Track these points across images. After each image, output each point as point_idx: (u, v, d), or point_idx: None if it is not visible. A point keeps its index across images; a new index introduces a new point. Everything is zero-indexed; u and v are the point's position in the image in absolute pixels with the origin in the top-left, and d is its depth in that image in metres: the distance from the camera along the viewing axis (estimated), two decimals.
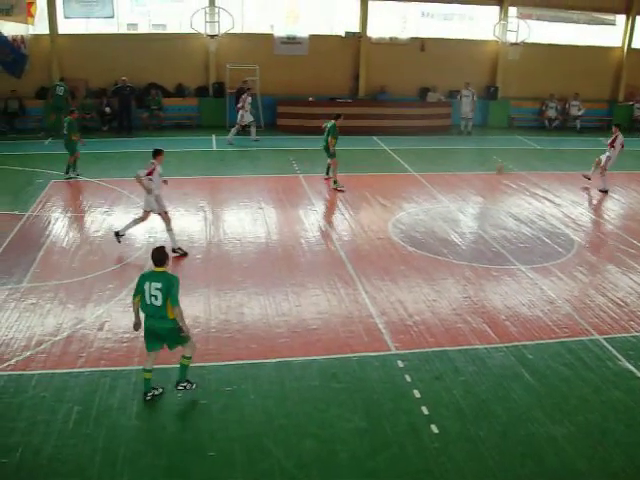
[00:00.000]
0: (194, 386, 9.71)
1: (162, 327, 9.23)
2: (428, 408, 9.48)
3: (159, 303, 9.06)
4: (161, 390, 9.69)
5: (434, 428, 9.03)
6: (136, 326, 9.53)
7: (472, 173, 23.30)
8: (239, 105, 26.96)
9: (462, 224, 17.81)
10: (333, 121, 20.69)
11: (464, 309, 12.63)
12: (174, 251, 14.81)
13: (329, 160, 20.88)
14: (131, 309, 9.50)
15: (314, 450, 8.62)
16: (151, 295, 9.09)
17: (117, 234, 15.38)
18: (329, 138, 20.41)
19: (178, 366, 9.68)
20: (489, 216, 18.78)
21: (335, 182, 20.60)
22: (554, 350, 11.23)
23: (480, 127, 31.24)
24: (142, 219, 15.48)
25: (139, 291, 9.22)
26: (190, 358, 9.64)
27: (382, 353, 10.98)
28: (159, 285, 9.05)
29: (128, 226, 15.44)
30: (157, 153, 15.07)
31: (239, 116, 26.91)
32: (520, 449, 8.71)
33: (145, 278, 9.22)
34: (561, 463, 8.49)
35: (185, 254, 15.02)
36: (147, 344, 9.49)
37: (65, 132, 21.05)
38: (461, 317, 12.29)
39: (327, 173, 21.37)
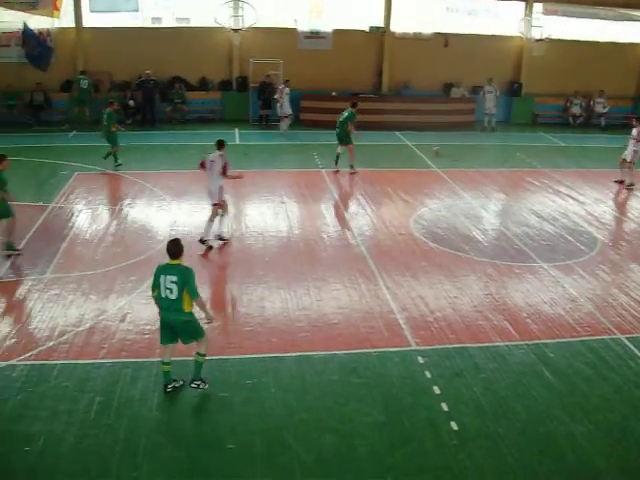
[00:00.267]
0: (207, 386, 9.69)
1: (177, 320, 9.27)
2: (448, 404, 9.48)
3: (174, 296, 9.09)
4: (182, 382, 9.76)
5: (453, 425, 9.04)
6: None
7: (495, 170, 23.18)
8: (276, 96, 27.39)
9: (484, 221, 17.76)
10: (351, 109, 21.48)
11: (485, 306, 12.60)
12: (202, 242, 14.89)
13: (340, 148, 21.63)
14: (153, 301, 9.55)
15: (334, 444, 8.66)
16: (166, 288, 9.11)
17: (202, 241, 14.98)
18: (348, 124, 21.12)
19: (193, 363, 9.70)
20: (511, 213, 18.71)
21: (352, 166, 21.28)
22: (575, 349, 11.18)
23: (503, 123, 31.04)
24: (215, 214, 15.32)
25: (156, 284, 9.26)
26: (204, 355, 9.63)
27: (402, 349, 10.99)
28: (174, 278, 9.07)
29: (207, 228, 15.17)
30: (224, 144, 15.12)
31: (278, 107, 27.34)
32: (539, 447, 8.69)
33: (160, 271, 9.25)
34: (579, 461, 8.47)
35: (210, 248, 15.08)
36: (162, 337, 9.55)
37: (105, 123, 21.37)
38: (482, 314, 12.26)
39: (336, 163, 21.80)
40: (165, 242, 9.51)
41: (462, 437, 8.81)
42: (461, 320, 12.01)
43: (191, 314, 9.29)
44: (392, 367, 10.43)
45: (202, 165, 15.16)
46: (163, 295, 9.16)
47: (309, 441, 8.71)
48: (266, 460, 8.35)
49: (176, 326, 9.35)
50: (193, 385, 9.64)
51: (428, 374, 10.25)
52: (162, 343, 9.59)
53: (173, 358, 9.71)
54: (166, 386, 9.69)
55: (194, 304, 9.28)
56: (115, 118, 21.66)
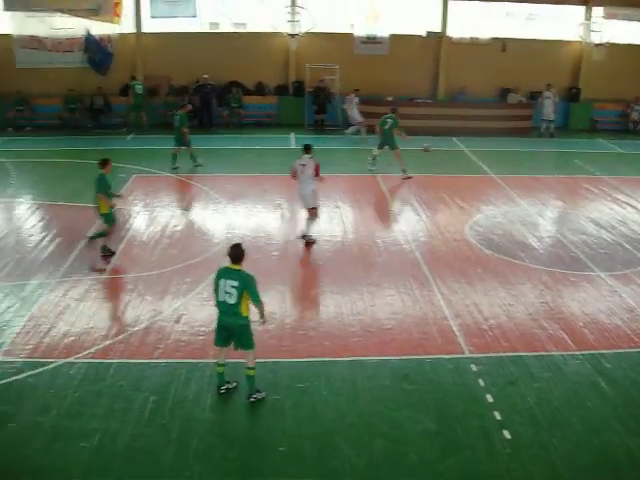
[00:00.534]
0: (264, 394, 9.71)
1: (235, 323, 9.37)
2: (501, 413, 9.39)
3: (233, 301, 9.17)
4: (235, 384, 9.86)
5: (506, 433, 8.95)
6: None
7: (552, 176, 22.88)
8: (344, 106, 27.89)
9: (541, 228, 17.54)
10: (392, 114, 21.96)
11: (540, 314, 12.44)
12: (303, 237, 15.62)
13: (378, 151, 22.15)
14: (208, 303, 9.66)
15: (385, 450, 8.66)
16: (225, 292, 9.20)
17: (304, 237, 15.64)
18: (395, 130, 21.49)
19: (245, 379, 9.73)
20: (568, 220, 18.44)
21: (404, 170, 21.52)
22: (633, 360, 10.97)
23: (561, 129, 30.56)
24: (314, 216, 15.89)
25: (216, 286, 9.35)
26: (254, 369, 9.63)
27: (456, 356, 10.93)
28: (235, 283, 9.15)
29: (308, 228, 15.80)
30: (311, 147, 15.75)
31: (350, 116, 27.69)
32: (593, 458, 8.57)
33: (221, 274, 9.33)
34: (636, 474, 8.32)
35: (314, 242, 15.62)
36: (216, 339, 9.65)
37: (177, 125, 21.89)
38: (537, 322, 12.12)
39: (373, 165, 22.31)
40: (221, 245, 9.65)
41: (515, 446, 8.73)
42: (516, 328, 11.89)
43: (247, 318, 9.39)
44: (445, 374, 10.38)
45: (293, 173, 15.69)
46: (221, 299, 9.26)
47: (360, 445, 8.72)
48: (317, 463, 8.39)
49: (233, 329, 9.44)
50: (251, 399, 9.63)
51: (481, 382, 10.17)
52: (216, 344, 9.71)
53: (227, 360, 9.80)
54: (219, 387, 9.82)
55: (249, 308, 9.35)
56: (187, 121, 22.26)
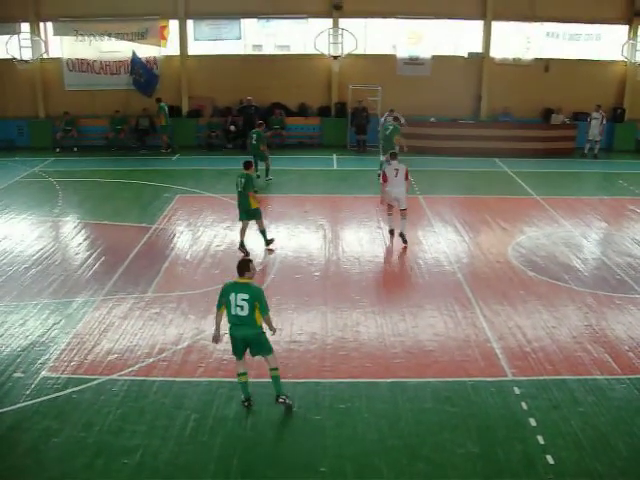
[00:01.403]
0: (289, 400, 9.86)
1: (250, 333, 9.65)
2: (544, 437, 9.26)
3: (245, 313, 9.49)
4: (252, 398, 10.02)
5: (549, 459, 8.81)
6: (215, 339, 10.00)
7: (596, 197, 22.63)
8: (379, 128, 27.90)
9: (585, 250, 17.34)
10: (394, 122, 23.41)
11: (585, 337, 12.27)
12: (401, 236, 16.98)
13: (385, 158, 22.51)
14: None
15: (425, 473, 8.59)
16: (237, 305, 9.50)
17: (402, 235, 17.11)
18: (396, 137, 22.54)
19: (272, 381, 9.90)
20: (613, 242, 18.17)
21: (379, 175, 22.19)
22: None
23: (605, 150, 30.22)
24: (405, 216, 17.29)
25: (223, 302, 9.65)
26: (277, 369, 9.89)
27: (498, 379, 10.83)
28: (246, 296, 9.48)
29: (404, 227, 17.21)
30: (396, 155, 17.77)
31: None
32: None
33: (230, 289, 9.63)
34: None
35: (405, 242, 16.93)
36: (237, 353, 9.86)
37: (254, 142, 22.64)
38: (581, 346, 11.95)
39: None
40: (263, 265, 9.72)
41: (558, 472, 8.59)
42: (559, 351, 11.74)
43: (261, 327, 9.70)
44: (487, 397, 10.28)
45: (384, 177, 17.29)
46: (233, 312, 9.56)
47: (400, 468, 8.67)
48: None
49: (249, 340, 9.70)
50: (280, 400, 9.81)
51: (524, 405, 10.04)
52: (238, 358, 9.90)
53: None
54: (246, 400, 9.96)
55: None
56: (265, 138, 23.24)
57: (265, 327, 9.77)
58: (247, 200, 16.08)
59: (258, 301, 9.50)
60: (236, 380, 10.05)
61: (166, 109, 28.61)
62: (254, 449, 9.06)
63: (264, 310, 9.60)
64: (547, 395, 10.35)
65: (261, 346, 9.78)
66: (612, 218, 20.59)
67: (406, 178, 17.02)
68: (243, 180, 16.04)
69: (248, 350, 9.82)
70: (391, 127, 22.68)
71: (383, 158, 22.36)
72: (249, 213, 16.28)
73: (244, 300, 9.46)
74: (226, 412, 9.84)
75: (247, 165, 16.41)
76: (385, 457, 8.86)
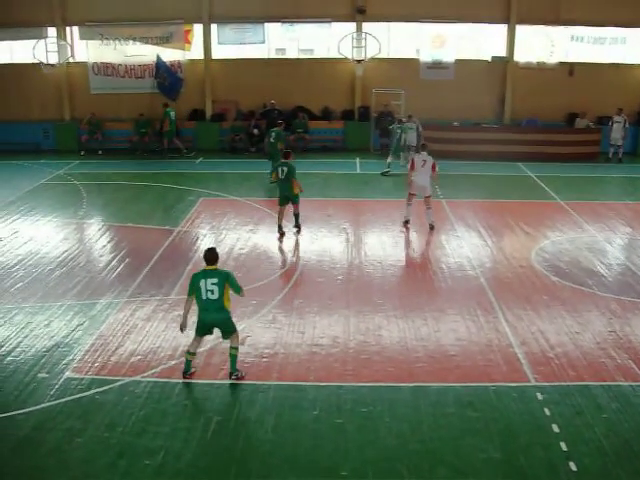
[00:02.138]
0: (243, 373, 10.75)
1: (219, 317, 10.46)
2: (567, 444, 9.19)
3: (216, 296, 10.27)
4: (194, 370, 10.86)
5: (572, 465, 8.75)
6: (182, 328, 10.62)
7: (621, 202, 22.44)
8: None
9: (609, 255, 17.20)
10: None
11: (609, 343, 12.17)
12: (430, 226, 18.54)
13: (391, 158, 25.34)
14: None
15: (447, 478, 8.57)
16: (207, 290, 10.26)
17: (430, 224, 18.74)
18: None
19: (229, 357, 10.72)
20: (638, 247, 18.02)
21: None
22: None
23: (630, 155, 29.92)
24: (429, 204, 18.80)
25: (193, 289, 10.37)
26: (238, 348, 10.75)
27: (521, 384, 10.77)
28: (215, 280, 10.26)
29: (430, 215, 18.74)
30: (426, 145, 19.54)
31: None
32: None
33: (199, 277, 10.40)
34: None
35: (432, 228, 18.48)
36: (199, 333, 10.73)
37: (272, 140, 22.78)
38: (605, 352, 11.86)
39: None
40: (285, 268, 9.77)
41: (581, 478, 8.53)
42: (583, 357, 11.66)
43: (229, 311, 10.53)
44: (510, 402, 10.23)
45: (412, 165, 18.61)
46: (204, 297, 10.30)
47: (422, 473, 8.65)
48: None
49: (218, 324, 10.58)
50: (232, 378, 10.66)
51: (547, 411, 9.98)
52: (198, 334, 10.73)
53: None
54: (185, 373, 10.75)
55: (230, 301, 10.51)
56: (284, 137, 23.45)
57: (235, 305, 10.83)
58: (290, 186, 17.52)
59: (228, 281, 10.32)
60: (258, 382, 10.10)
61: (171, 114, 28.58)
62: (275, 452, 9.07)
63: (237, 288, 10.45)
64: (570, 401, 10.27)
65: (228, 328, 10.62)
66: (637, 223, 20.38)
67: (433, 170, 18.38)
68: (285, 169, 17.50)
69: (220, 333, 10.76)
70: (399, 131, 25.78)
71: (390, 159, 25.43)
72: (289, 198, 17.75)
73: (214, 284, 10.23)
74: (248, 414, 9.88)
75: (287, 155, 18.01)
76: (407, 462, 8.83)
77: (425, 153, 18.57)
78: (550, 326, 12.84)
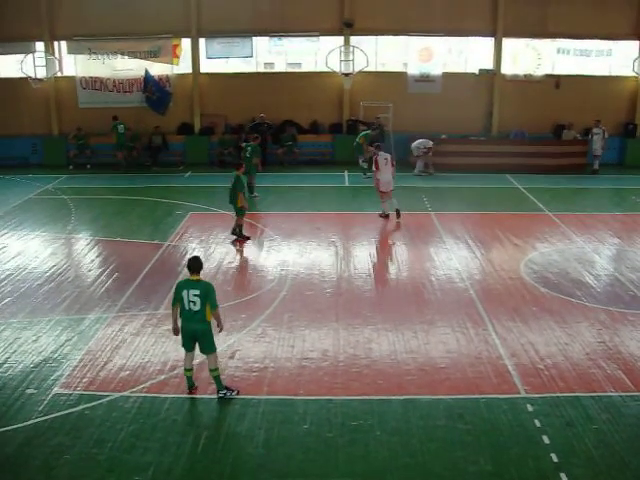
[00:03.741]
0: (235, 392, 10.63)
1: (200, 329, 10.35)
2: (558, 455, 9.19)
3: (197, 308, 10.23)
4: (197, 385, 10.82)
5: (564, 477, 8.75)
6: (175, 331, 10.65)
7: (608, 213, 22.54)
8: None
9: (597, 266, 17.26)
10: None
11: (598, 354, 12.20)
12: (397, 211, 20.08)
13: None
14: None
15: None
16: (190, 301, 10.22)
17: (397, 211, 20.52)
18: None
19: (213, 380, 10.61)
20: (626, 258, 18.09)
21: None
22: None
23: (617, 166, 30.13)
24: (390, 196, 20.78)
25: (177, 299, 10.37)
26: (217, 370, 10.58)
27: (511, 396, 10.76)
28: (197, 292, 10.21)
29: (391, 204, 20.59)
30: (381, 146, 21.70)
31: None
32: None
33: (182, 286, 10.39)
34: None
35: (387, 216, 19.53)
36: (186, 345, 10.60)
37: (248, 155, 22.67)
38: (595, 362, 11.88)
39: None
40: (275, 282, 9.76)
41: None
42: (572, 368, 11.67)
43: (210, 324, 10.37)
44: (500, 414, 10.23)
45: (377, 166, 20.38)
46: (187, 307, 10.28)
47: None
48: None
49: (197, 334, 10.39)
50: (220, 395, 10.57)
51: (537, 423, 9.98)
52: (185, 349, 10.61)
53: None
54: (190, 389, 10.68)
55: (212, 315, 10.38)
56: (259, 152, 23.36)
57: (214, 324, 10.48)
58: (235, 197, 18.05)
59: (207, 295, 10.20)
60: (247, 396, 10.05)
61: (119, 127, 28.53)
62: (266, 466, 9.03)
63: (213, 305, 10.28)
64: (560, 412, 10.28)
65: (207, 342, 10.44)
66: (624, 234, 20.49)
67: (392, 166, 20.45)
68: (233, 179, 18.07)
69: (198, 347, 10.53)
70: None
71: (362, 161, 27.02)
72: (235, 209, 18.29)
73: (196, 296, 10.19)
74: (238, 429, 9.83)
75: (237, 166, 18.57)
76: (397, 475, 8.81)
77: (383, 152, 20.69)
78: (540, 337, 12.86)
